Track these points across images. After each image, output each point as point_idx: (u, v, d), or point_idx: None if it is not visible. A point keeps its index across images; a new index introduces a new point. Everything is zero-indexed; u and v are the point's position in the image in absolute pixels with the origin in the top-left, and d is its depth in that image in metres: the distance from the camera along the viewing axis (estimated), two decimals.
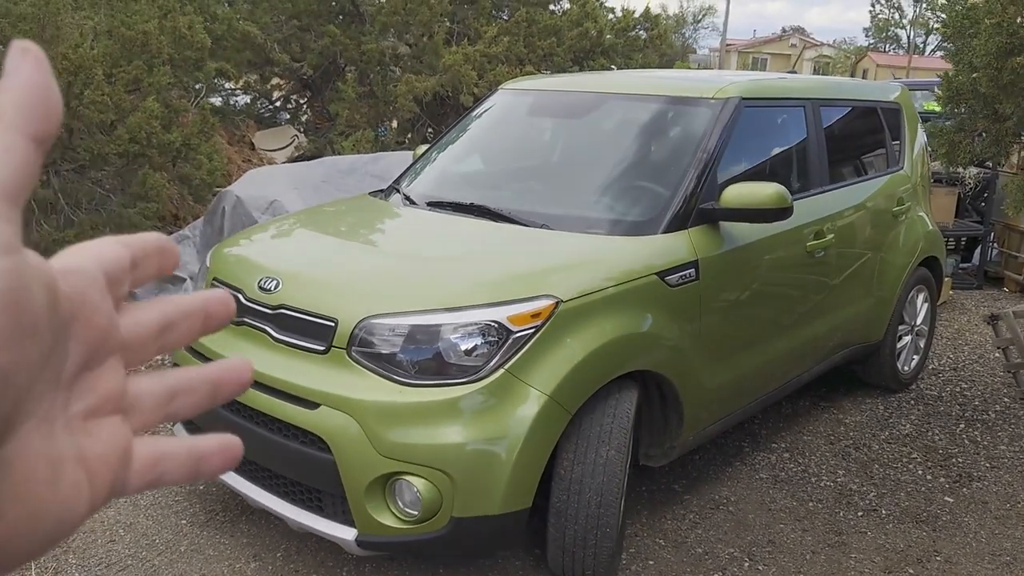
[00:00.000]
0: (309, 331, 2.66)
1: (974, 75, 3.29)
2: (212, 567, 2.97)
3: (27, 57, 0.33)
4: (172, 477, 0.39)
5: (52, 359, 0.33)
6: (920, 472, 3.85)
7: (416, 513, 2.49)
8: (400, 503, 2.52)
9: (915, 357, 4.86)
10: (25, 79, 0.33)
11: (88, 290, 0.35)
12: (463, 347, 2.53)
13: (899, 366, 4.69)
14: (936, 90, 3.77)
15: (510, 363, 2.52)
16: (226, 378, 0.42)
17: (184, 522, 3.24)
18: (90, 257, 0.36)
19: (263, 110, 10.20)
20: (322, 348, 2.62)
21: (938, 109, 3.75)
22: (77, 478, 0.35)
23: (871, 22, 52.61)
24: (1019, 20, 2.88)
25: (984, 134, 3.53)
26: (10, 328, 0.30)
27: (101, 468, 0.35)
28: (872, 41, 55.45)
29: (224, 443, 0.41)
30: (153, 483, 0.39)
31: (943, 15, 3.43)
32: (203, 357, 2.95)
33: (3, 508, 0.32)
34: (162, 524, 3.22)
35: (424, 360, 2.54)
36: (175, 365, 3.18)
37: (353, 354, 2.57)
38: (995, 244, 7.66)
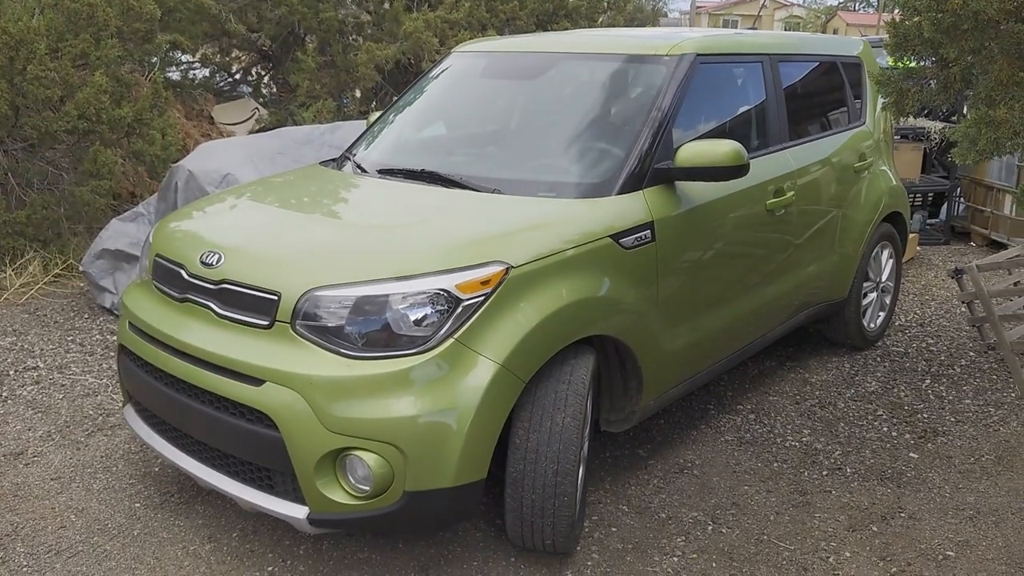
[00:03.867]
0: (252, 306, 2.58)
1: (916, 19, 3.22)
2: (166, 550, 2.90)
3: None
4: None
5: None
6: (885, 429, 3.84)
7: (368, 489, 2.43)
8: (351, 479, 2.46)
9: (881, 314, 4.85)
10: None
11: None
12: (412, 317, 2.45)
13: (865, 323, 4.68)
14: (884, 40, 3.71)
15: (460, 332, 2.45)
16: None
17: (138, 505, 3.16)
18: None
19: (222, 83, 9.98)
20: (266, 323, 2.54)
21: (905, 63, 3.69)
22: None
23: None
24: None
25: (932, 82, 3.47)
26: None
27: None
28: (842, 0, 55.37)
29: None
30: None
31: None
32: (149, 337, 2.86)
33: None
34: (115, 508, 3.14)
35: (372, 332, 2.47)
36: (121, 347, 3.09)
37: (298, 328, 2.49)
38: (962, 199, 7.66)
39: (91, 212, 5.94)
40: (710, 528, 3.05)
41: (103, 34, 5.99)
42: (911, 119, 6.38)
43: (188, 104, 8.68)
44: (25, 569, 2.79)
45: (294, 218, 3.07)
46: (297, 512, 2.49)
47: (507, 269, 2.54)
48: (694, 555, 2.89)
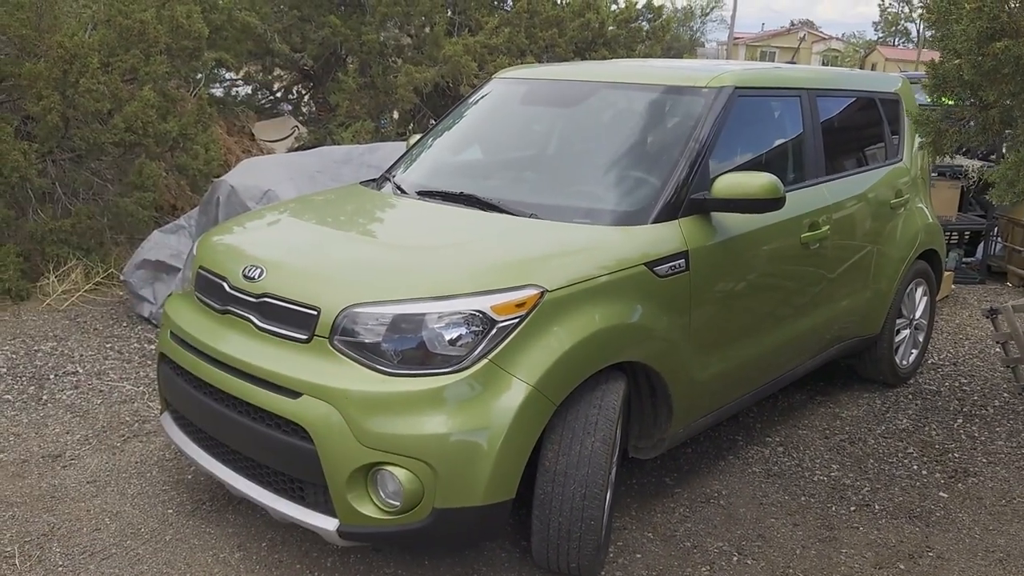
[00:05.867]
0: (292, 320, 2.64)
1: (956, 61, 3.23)
2: (197, 556, 2.95)
3: None
4: None
5: None
6: (915, 467, 3.81)
7: (398, 504, 2.47)
8: (382, 493, 2.50)
9: (913, 351, 4.82)
10: None
11: None
12: (447, 336, 2.50)
13: (897, 360, 4.65)
14: (922, 80, 3.72)
15: (494, 353, 2.49)
16: None
17: (170, 511, 3.22)
18: None
19: (264, 101, 10.17)
20: (304, 337, 2.59)
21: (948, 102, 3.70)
22: None
23: (880, 16, 52.47)
24: (1005, 4, 2.83)
25: (971, 123, 3.48)
26: None
27: None
28: (881, 35, 55.23)
29: None
30: None
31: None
32: (190, 347, 2.93)
33: None
34: (148, 513, 3.20)
35: (407, 349, 2.51)
36: (161, 356, 3.16)
37: (335, 343, 2.55)
38: (999, 238, 7.60)
39: (134, 223, 6.08)
40: (735, 559, 3.04)
41: (152, 50, 6.15)
42: (949, 157, 6.36)
43: (230, 120, 8.86)
44: (60, 568, 2.85)
45: (334, 236, 3.14)
46: (327, 524, 2.53)
47: (542, 293, 2.58)
48: None
